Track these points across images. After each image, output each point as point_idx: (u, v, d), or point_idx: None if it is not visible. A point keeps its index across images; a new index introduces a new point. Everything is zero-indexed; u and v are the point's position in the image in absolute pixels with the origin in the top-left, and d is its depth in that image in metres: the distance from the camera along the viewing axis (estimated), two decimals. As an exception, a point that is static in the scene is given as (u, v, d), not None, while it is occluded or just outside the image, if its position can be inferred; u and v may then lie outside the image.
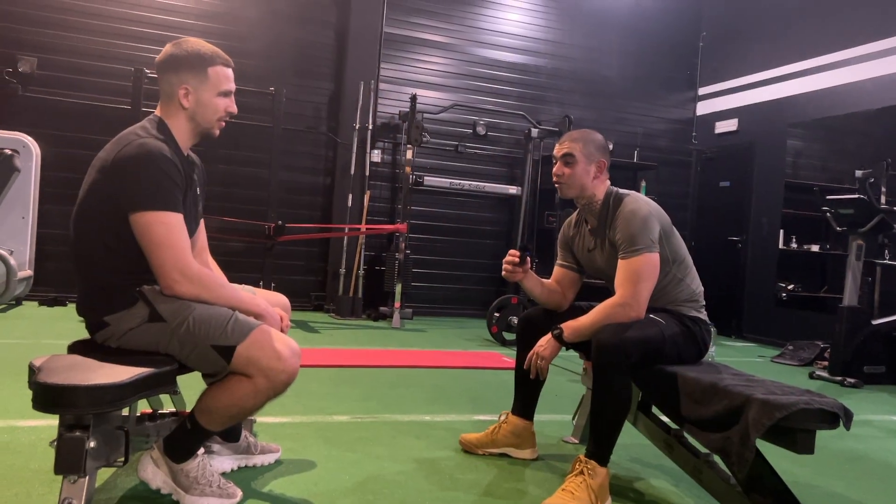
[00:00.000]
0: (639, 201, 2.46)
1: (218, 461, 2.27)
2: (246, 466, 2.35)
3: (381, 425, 3.01)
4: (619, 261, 2.39)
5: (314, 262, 7.40)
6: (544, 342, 2.45)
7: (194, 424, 1.94)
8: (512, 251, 2.61)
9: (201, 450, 2.01)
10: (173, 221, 1.86)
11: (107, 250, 1.89)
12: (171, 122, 2.02)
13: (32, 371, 1.65)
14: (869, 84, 6.57)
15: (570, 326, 2.41)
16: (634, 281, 2.33)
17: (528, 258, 2.61)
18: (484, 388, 4.01)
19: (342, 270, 7.07)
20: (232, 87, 2.07)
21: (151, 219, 1.83)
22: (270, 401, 1.94)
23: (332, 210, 7.33)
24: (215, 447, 2.31)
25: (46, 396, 1.54)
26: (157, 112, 2.05)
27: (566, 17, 8.30)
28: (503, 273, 2.62)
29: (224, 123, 2.09)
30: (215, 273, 2.14)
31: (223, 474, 2.19)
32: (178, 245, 1.86)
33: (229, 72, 2.06)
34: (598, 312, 2.37)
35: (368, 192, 7.31)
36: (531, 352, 2.48)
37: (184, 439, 1.96)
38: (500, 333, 5.82)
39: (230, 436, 2.32)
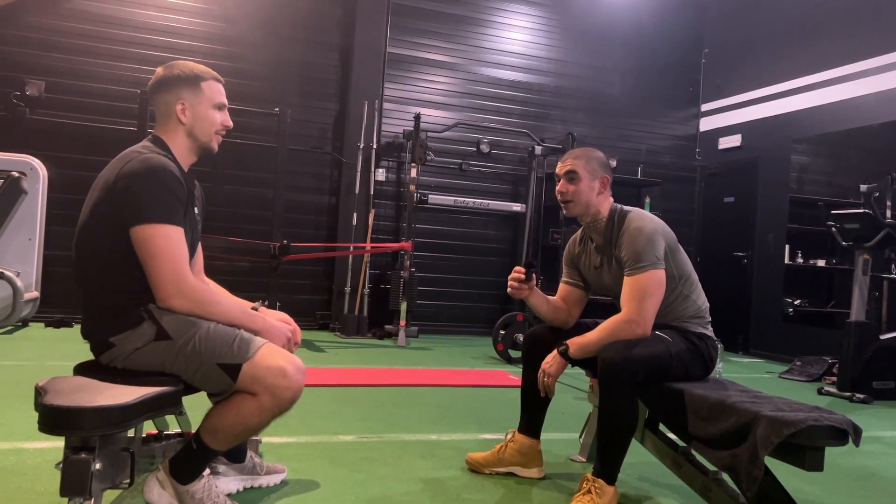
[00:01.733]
0: (643, 218, 2.46)
1: (223, 482, 2.27)
2: (252, 487, 2.35)
3: (387, 445, 2.99)
4: (625, 278, 2.39)
5: (319, 281, 7.41)
6: (550, 359, 2.44)
7: (200, 444, 1.94)
8: (517, 268, 2.60)
9: (207, 470, 2.00)
10: (174, 235, 1.87)
11: (111, 269, 1.90)
12: (169, 140, 2.05)
13: (38, 393, 1.66)
14: (872, 99, 6.59)
15: (575, 343, 2.40)
16: (640, 298, 2.33)
17: (534, 275, 2.60)
18: (490, 406, 3.99)
19: (347, 289, 7.07)
20: (225, 100, 2.12)
21: (152, 231, 1.84)
22: (276, 419, 1.93)
23: (337, 229, 7.35)
24: (221, 468, 2.30)
25: (52, 418, 1.54)
26: (156, 133, 2.09)
27: (569, 35, 8.36)
28: (509, 290, 2.61)
29: (221, 137, 2.13)
30: (212, 289, 2.12)
31: (229, 495, 2.18)
32: (177, 258, 1.87)
33: (221, 87, 2.12)
34: (604, 329, 2.36)
35: (373, 211, 7.33)
36: (540, 370, 2.48)
37: (189, 460, 1.96)
38: (505, 351, 5.80)
39: (236, 456, 2.32)
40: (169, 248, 1.85)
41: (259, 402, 1.88)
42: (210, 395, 1.98)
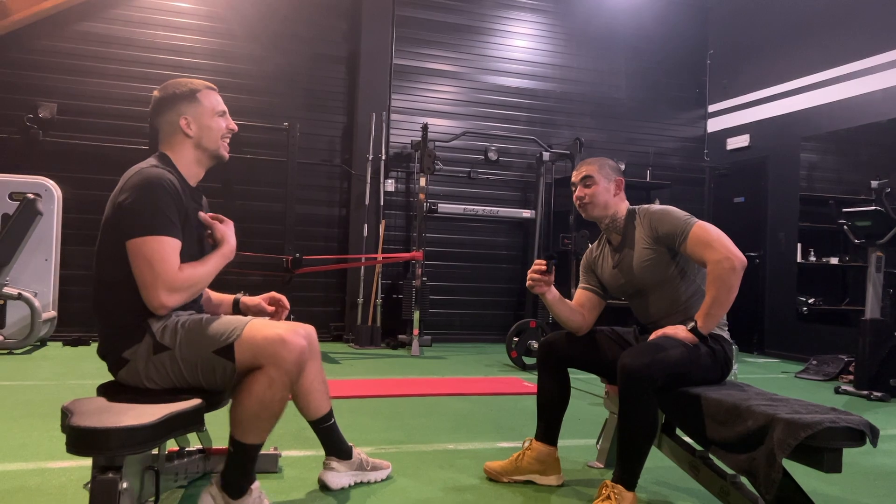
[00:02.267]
0: (656, 205, 2.62)
1: (337, 476, 2.45)
2: (362, 482, 2.55)
3: (405, 455, 3.01)
4: (684, 246, 2.43)
5: (332, 292, 7.45)
6: (682, 334, 2.34)
7: (234, 444, 1.97)
8: (538, 261, 2.60)
9: (256, 483, 2.03)
10: (163, 242, 1.91)
11: (119, 287, 1.95)
12: (175, 155, 2.11)
13: (65, 414, 1.69)
14: (881, 95, 6.57)
15: (700, 317, 2.35)
16: (710, 241, 2.37)
17: (553, 267, 2.59)
18: (506, 414, 4.00)
19: (360, 300, 7.11)
20: (224, 107, 2.18)
21: (143, 241, 1.89)
22: (291, 387, 1.97)
23: (349, 240, 7.40)
24: (333, 463, 2.49)
25: (80, 439, 1.58)
26: (161, 150, 2.13)
27: (573, 41, 8.40)
28: (528, 283, 2.61)
29: (228, 143, 2.19)
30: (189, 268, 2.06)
31: (342, 489, 2.44)
32: (164, 262, 1.90)
33: (216, 94, 2.19)
34: (711, 285, 2.33)
35: (383, 222, 7.37)
36: (661, 332, 2.39)
37: (234, 466, 1.98)
38: (519, 358, 5.81)
39: (343, 453, 2.50)
40: (159, 253, 1.89)
41: (267, 374, 1.90)
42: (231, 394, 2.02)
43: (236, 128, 2.21)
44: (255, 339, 1.90)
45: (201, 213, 2.11)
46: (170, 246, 1.92)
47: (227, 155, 2.19)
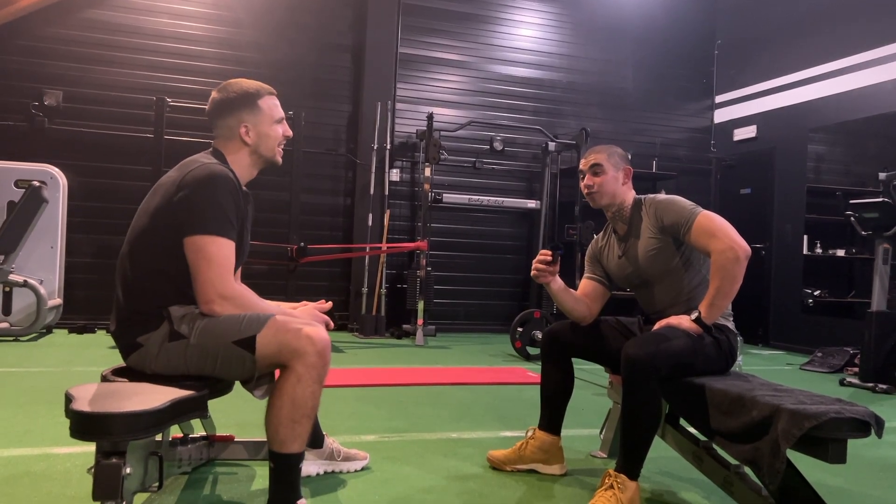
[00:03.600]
0: (662, 194, 2.60)
1: (303, 465, 2.35)
2: (333, 472, 2.50)
3: (409, 444, 3.01)
4: (689, 235, 2.40)
5: (337, 282, 7.45)
6: (686, 324, 2.32)
7: (275, 458, 1.92)
8: (543, 251, 2.59)
9: (303, 501, 1.97)
10: (224, 245, 1.92)
11: (159, 275, 1.95)
12: (230, 155, 2.11)
13: (68, 399, 1.69)
14: (890, 86, 6.52)
15: (704, 307, 2.33)
16: (714, 231, 2.34)
17: (559, 258, 2.58)
18: (510, 403, 4.00)
19: (364, 290, 7.12)
20: (283, 112, 2.18)
21: (207, 241, 1.89)
22: (321, 382, 1.92)
23: (353, 230, 7.39)
24: None
25: (83, 424, 1.57)
26: (217, 146, 2.13)
27: (580, 30, 8.35)
28: (532, 273, 2.60)
29: (282, 149, 2.19)
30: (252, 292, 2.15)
31: (307, 477, 2.33)
32: (223, 265, 1.91)
33: (276, 100, 2.17)
34: (717, 276, 2.30)
35: (388, 211, 7.37)
36: (665, 322, 2.37)
37: (279, 484, 1.93)
38: (523, 348, 5.81)
39: (313, 441, 2.40)
40: (219, 256, 1.90)
41: (293, 372, 1.88)
42: (244, 385, 2.01)
43: (291, 134, 2.21)
44: (277, 334, 1.88)
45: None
46: (228, 249, 1.93)
47: (281, 161, 2.20)
